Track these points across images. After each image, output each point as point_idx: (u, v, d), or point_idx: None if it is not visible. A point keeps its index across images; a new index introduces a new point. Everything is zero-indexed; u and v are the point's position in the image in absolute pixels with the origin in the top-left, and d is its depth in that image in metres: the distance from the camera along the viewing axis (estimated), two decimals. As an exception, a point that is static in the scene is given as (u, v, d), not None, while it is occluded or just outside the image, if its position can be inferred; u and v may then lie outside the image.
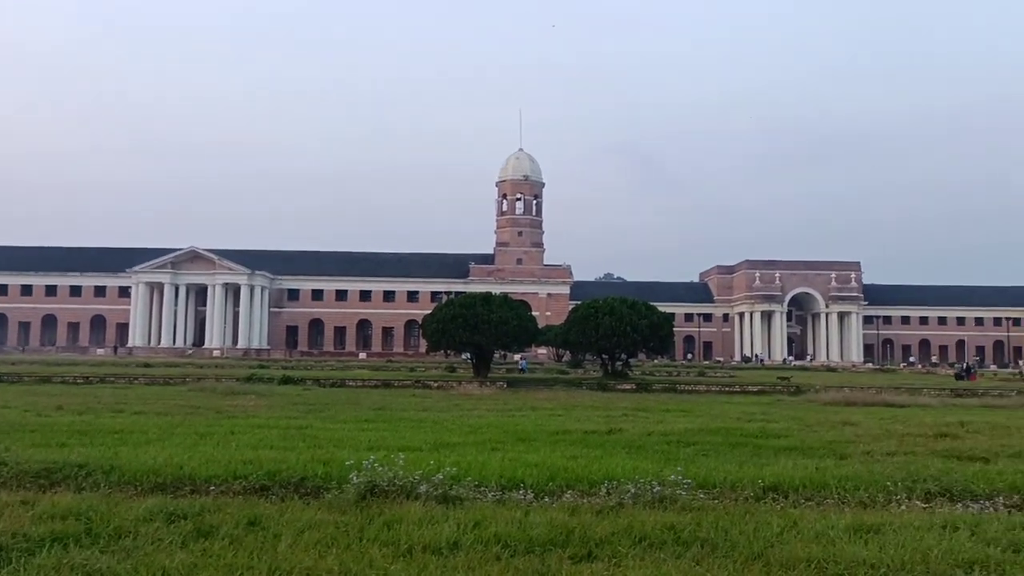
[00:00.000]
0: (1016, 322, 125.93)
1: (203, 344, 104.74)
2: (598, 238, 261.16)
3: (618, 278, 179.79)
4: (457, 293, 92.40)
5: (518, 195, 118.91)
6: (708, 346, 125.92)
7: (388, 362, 78.65)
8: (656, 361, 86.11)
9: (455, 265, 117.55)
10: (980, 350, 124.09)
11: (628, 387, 45.64)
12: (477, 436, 16.61)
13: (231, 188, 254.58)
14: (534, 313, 75.82)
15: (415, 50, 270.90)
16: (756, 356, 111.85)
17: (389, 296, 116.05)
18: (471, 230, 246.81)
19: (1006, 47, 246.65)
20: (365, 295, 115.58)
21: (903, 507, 10.09)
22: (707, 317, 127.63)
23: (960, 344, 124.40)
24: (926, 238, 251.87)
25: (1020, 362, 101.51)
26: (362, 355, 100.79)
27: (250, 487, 10.01)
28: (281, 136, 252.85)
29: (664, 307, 72.28)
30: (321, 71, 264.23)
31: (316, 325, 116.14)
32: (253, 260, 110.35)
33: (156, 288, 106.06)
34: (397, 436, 16.29)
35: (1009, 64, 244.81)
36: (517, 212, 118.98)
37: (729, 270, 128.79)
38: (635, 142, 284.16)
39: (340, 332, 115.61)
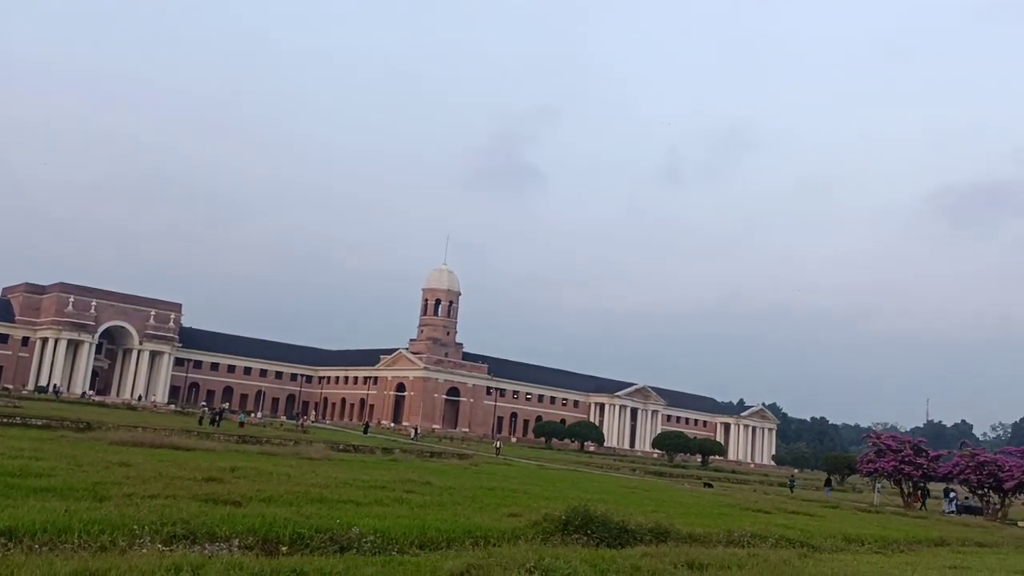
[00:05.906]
0: (308, 379, 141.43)
1: None
2: None
3: None
4: None
5: None
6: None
7: None
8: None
9: None
10: (276, 401, 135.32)
11: None
12: None
13: None
14: None
15: None
16: (55, 387, 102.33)
17: None
18: None
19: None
20: None
21: (145, 550, 10.24)
22: (3, 338, 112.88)
23: (260, 394, 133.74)
24: (248, 294, 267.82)
25: (304, 416, 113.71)
26: None
27: None
28: None
29: (-54, 319, 61.66)
30: None
31: None
32: None
33: None
34: None
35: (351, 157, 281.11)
36: None
37: (40, 290, 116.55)
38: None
39: None
